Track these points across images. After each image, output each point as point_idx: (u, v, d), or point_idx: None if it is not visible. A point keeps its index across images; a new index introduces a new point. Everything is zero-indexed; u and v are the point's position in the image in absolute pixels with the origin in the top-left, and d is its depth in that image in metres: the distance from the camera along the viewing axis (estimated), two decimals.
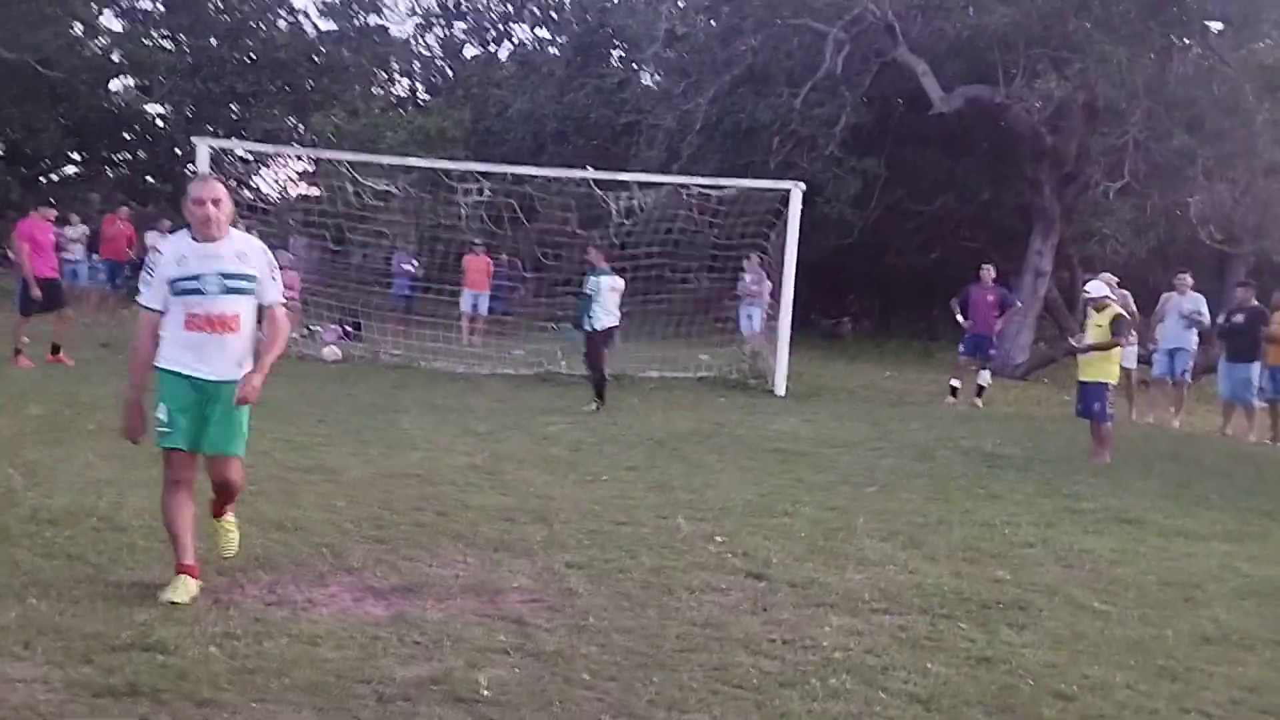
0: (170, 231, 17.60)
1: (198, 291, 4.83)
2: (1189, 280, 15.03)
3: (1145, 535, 7.41)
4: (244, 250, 4.97)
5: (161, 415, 4.89)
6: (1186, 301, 14.80)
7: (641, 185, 16.10)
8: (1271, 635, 5.29)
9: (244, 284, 4.89)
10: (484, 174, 16.27)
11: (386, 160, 16.85)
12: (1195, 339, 14.94)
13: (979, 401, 15.28)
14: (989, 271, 15.73)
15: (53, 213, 14.28)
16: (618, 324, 13.26)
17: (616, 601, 5.23)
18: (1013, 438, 12.01)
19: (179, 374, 4.88)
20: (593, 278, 12.78)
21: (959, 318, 15.58)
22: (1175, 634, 5.21)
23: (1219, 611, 5.64)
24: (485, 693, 4.01)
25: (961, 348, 15.63)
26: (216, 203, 4.84)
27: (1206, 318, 14.77)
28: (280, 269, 15.61)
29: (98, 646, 4.16)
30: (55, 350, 13.07)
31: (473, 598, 5.16)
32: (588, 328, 12.72)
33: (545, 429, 10.76)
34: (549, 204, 16.37)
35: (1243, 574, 6.49)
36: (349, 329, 17.60)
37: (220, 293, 4.83)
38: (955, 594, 5.65)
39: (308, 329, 17.89)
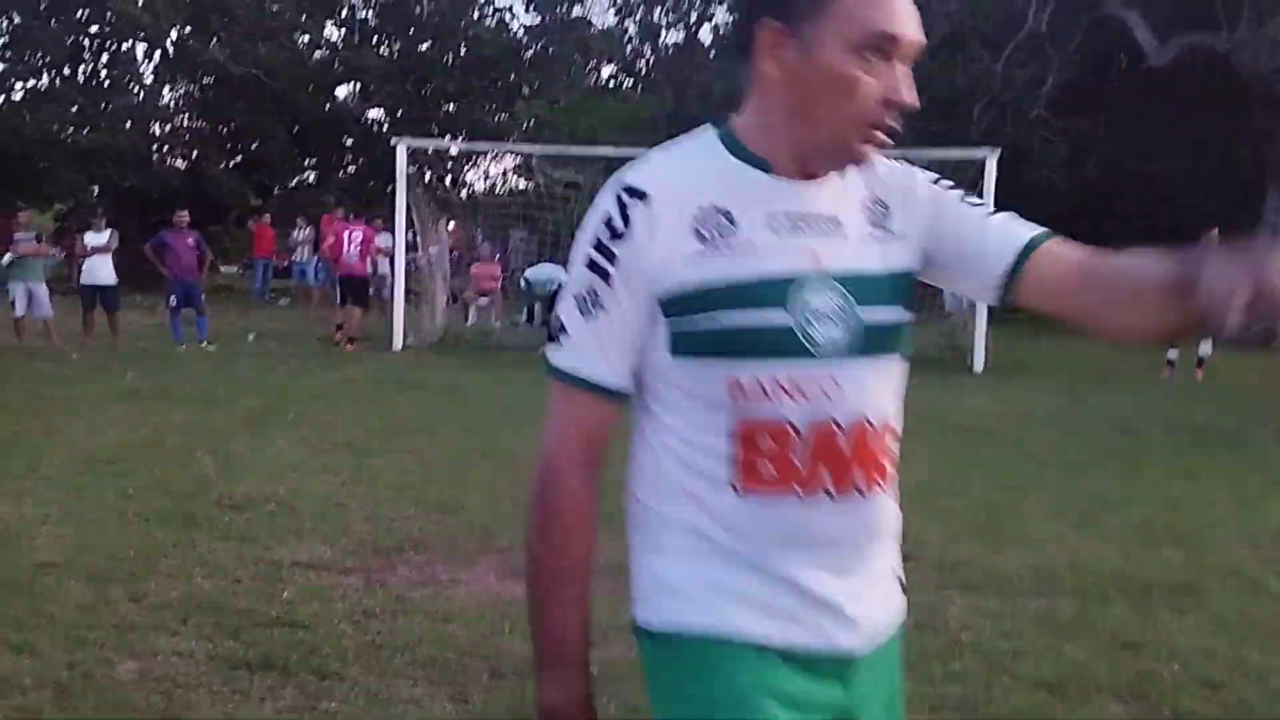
0: (383, 229, 18.63)
1: (788, 337, 1.45)
2: None
3: None
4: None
5: None
6: None
7: None
8: None
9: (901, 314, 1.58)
10: None
11: (573, 151, 17.17)
12: None
13: (1200, 373, 14.31)
14: (1212, 235, 14.65)
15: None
16: None
17: None
18: (1229, 410, 11.24)
19: (754, 648, 1.50)
20: None
21: None
22: None
23: None
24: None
25: None
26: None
27: None
28: (479, 261, 16.52)
29: (246, 622, 4.45)
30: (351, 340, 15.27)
31: (610, 576, 5.22)
32: None
33: None
34: None
35: None
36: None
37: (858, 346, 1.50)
38: (1116, 575, 5.34)
39: (511, 321, 18.53)
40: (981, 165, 14.82)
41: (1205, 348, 14.50)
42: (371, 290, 18.98)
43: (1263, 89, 19.71)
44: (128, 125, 24.41)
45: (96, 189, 25.57)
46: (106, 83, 25.90)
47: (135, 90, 26.38)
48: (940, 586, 5.16)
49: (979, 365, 14.57)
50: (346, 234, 16.07)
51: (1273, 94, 19.62)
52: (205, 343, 14.48)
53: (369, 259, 16.27)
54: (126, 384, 11.14)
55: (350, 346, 15.19)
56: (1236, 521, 6.51)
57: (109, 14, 23.83)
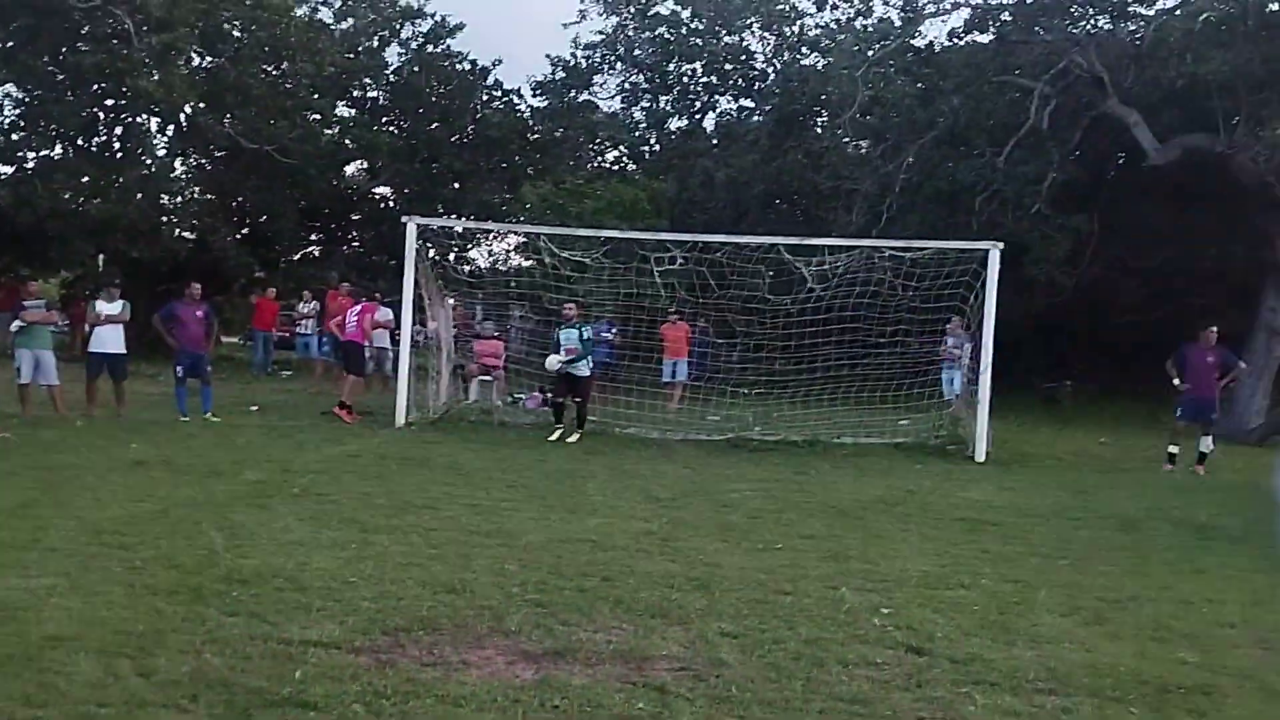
0: (384, 303, 18.82)
1: None
2: None
3: None
4: None
5: None
6: None
7: (832, 250, 16.01)
8: None
9: None
10: (674, 242, 16.56)
11: (580, 232, 17.38)
12: None
13: (1200, 469, 14.35)
14: (1212, 333, 14.81)
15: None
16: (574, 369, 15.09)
17: (764, 673, 5.16)
18: (1233, 508, 11.20)
19: None
20: (566, 330, 15.00)
21: (1175, 381, 14.72)
22: None
23: None
24: None
25: (1180, 411, 14.74)
26: None
27: None
28: (479, 338, 16.68)
29: (257, 701, 4.41)
30: (343, 406, 15.63)
31: (620, 664, 5.20)
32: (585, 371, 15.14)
33: (728, 495, 10.74)
34: (741, 271, 16.46)
35: None
36: (549, 395, 18.10)
37: None
38: (1132, 675, 5.30)
39: (512, 396, 18.56)
40: (984, 257, 14.93)
41: (1206, 443, 14.55)
42: (373, 365, 19.15)
43: (1260, 192, 19.99)
44: (138, 197, 24.62)
45: (102, 258, 25.71)
46: (119, 154, 26.20)
47: (147, 162, 26.67)
48: (956, 684, 5.11)
49: (980, 455, 14.57)
50: (351, 310, 16.94)
51: (1269, 197, 19.89)
52: (210, 414, 14.48)
53: (364, 330, 16.87)
54: (132, 454, 11.12)
55: (341, 412, 15.35)
56: (1248, 624, 6.47)
57: (125, 89, 24.18)
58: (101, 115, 26.26)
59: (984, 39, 23.74)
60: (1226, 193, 22.01)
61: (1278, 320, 19.98)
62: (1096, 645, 5.86)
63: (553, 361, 15.16)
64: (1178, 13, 21.51)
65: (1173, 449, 14.57)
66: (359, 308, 16.97)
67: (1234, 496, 12.24)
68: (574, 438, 14.70)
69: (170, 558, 6.79)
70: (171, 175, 28.04)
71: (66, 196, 24.23)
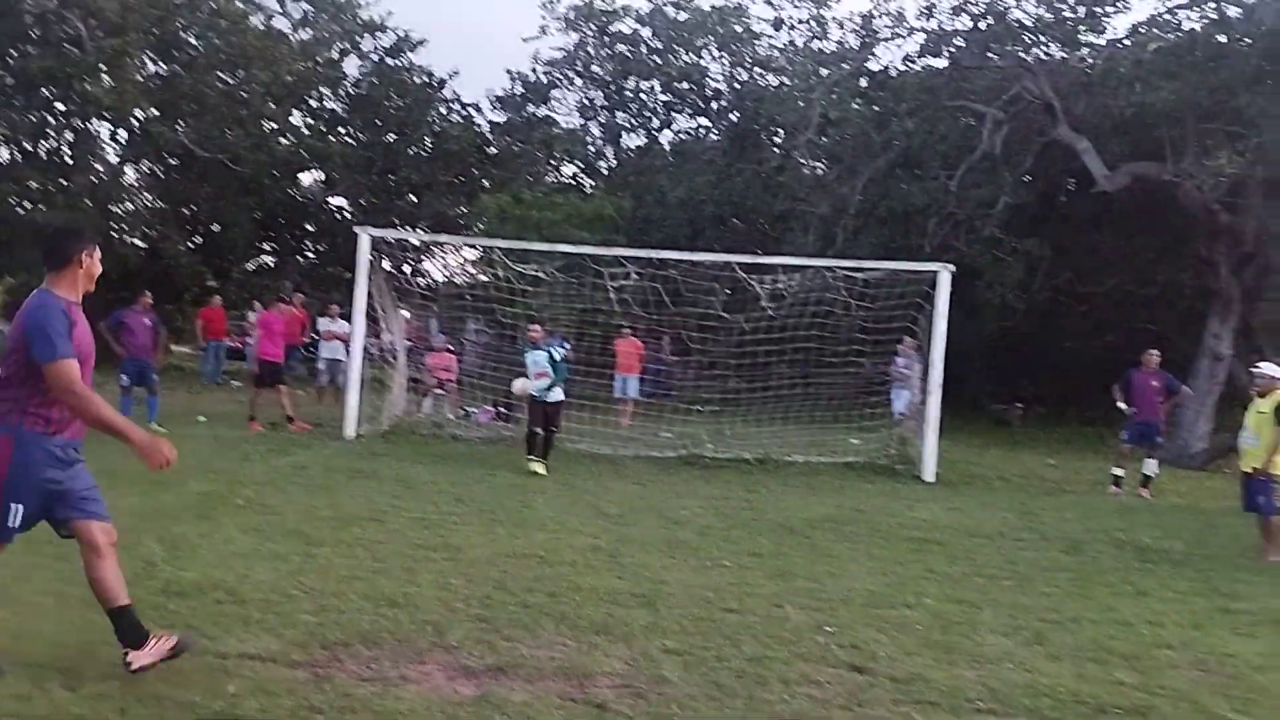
0: (339, 316, 18.68)
1: None
2: None
3: None
4: None
5: None
6: None
7: (786, 269, 16.10)
8: None
9: None
10: (629, 258, 16.58)
11: (536, 246, 17.36)
12: None
13: (1145, 492, 14.53)
14: (1154, 356, 15.04)
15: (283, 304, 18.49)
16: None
17: (706, 691, 5.14)
18: (1175, 531, 11.35)
19: None
20: (534, 353, 13.61)
21: (1120, 404, 14.93)
22: None
23: None
24: None
25: (1125, 435, 14.93)
26: None
27: None
28: (433, 351, 16.43)
29: (188, 715, 4.34)
30: (289, 419, 15.61)
31: (562, 680, 5.16)
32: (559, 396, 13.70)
33: (678, 512, 10.73)
34: (696, 288, 16.52)
35: None
36: (502, 410, 18.02)
37: None
38: (1071, 695, 5.34)
39: (464, 410, 18.45)
40: (934, 279, 15.05)
41: (1151, 466, 14.74)
42: (326, 377, 19.00)
43: (1206, 219, 20.35)
44: (88, 203, 24.26)
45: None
46: (69, 160, 25.83)
47: (98, 169, 26.32)
48: (896, 702, 5.13)
49: (929, 475, 14.67)
50: (263, 324, 16.84)
51: (1215, 224, 20.26)
52: (155, 423, 14.26)
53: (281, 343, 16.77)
54: None
55: (255, 425, 15.29)
56: (1186, 645, 6.55)
57: (75, 94, 23.84)
58: (51, 120, 25.88)
59: (939, 64, 24.01)
60: (1173, 220, 22.41)
61: (1221, 346, 20.30)
62: (1037, 665, 5.90)
63: (520, 386, 14.22)
64: (1127, 42, 21.91)
65: (1118, 472, 14.76)
66: (278, 324, 16.77)
67: (1177, 520, 12.41)
68: (540, 470, 13.08)
69: None
70: (122, 182, 27.69)
71: (13, 202, 23.84)
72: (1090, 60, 22.51)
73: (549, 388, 13.50)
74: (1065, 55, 22.78)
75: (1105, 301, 24.01)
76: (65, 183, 24.54)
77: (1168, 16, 21.67)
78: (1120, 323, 24.33)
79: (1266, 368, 10.78)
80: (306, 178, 31.81)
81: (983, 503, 12.83)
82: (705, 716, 4.77)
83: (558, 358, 13.73)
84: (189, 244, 28.07)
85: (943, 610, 7.07)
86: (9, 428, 4.58)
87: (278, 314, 17.22)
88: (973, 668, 5.77)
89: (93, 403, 4.57)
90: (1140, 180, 20.69)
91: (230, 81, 27.20)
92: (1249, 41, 19.62)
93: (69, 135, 26.37)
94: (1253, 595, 8.17)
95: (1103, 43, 22.58)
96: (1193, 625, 7.10)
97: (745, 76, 33.18)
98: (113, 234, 25.70)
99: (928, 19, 23.50)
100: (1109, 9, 22.01)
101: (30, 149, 25.84)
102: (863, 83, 25.41)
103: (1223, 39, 20.47)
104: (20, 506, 4.64)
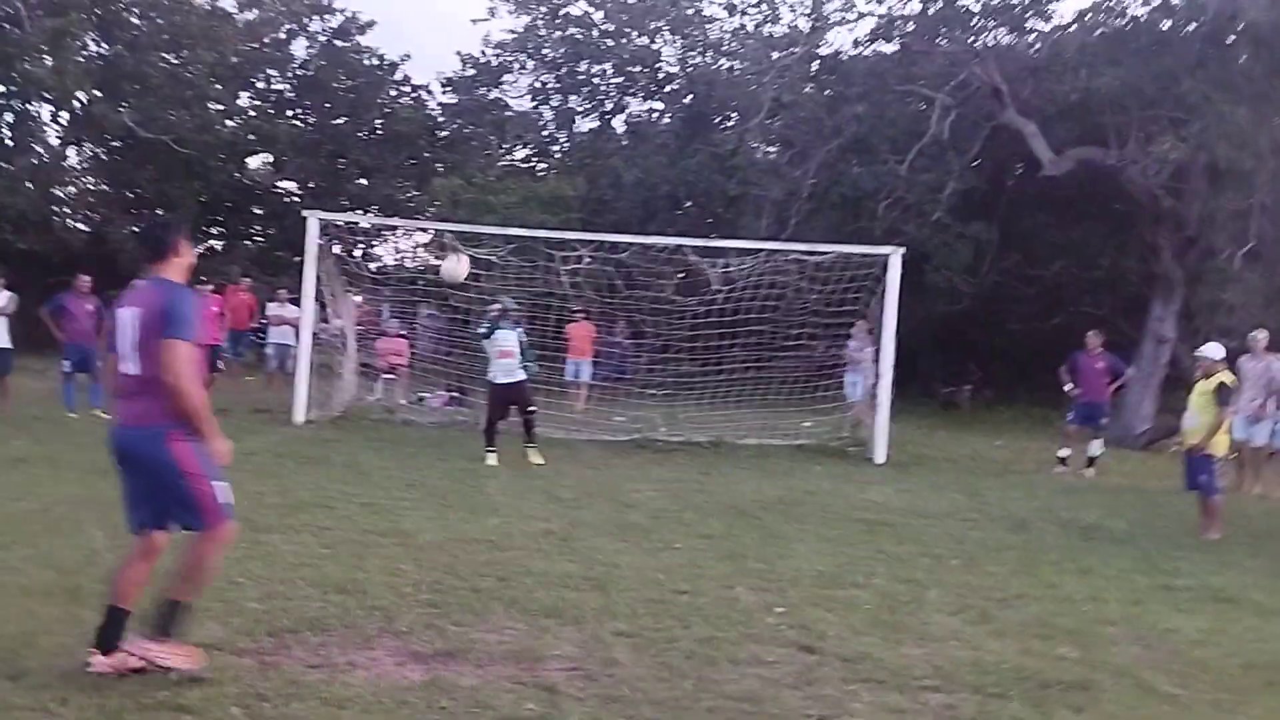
0: (288, 300, 18.51)
1: None
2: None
3: (1240, 615, 7.02)
4: None
5: None
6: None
7: (738, 252, 16.13)
8: None
9: None
10: (581, 241, 16.53)
11: (487, 230, 17.25)
12: None
13: (1089, 472, 14.75)
14: (1096, 337, 15.28)
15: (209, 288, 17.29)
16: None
17: (656, 672, 5.16)
18: (1118, 510, 11.55)
19: None
20: (503, 331, 12.81)
21: (1066, 386, 15.14)
22: None
23: None
24: None
25: (1071, 415, 15.15)
26: None
27: None
28: (384, 335, 16.16)
29: (130, 705, 4.28)
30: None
31: (512, 664, 5.16)
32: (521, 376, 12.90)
33: (630, 496, 10.74)
34: (649, 272, 16.51)
35: None
36: (455, 395, 17.92)
37: None
38: (1014, 672, 5.43)
39: (417, 395, 18.33)
40: (885, 262, 15.16)
41: (1096, 447, 14.96)
42: (275, 363, 18.82)
43: (1149, 204, 20.63)
44: (28, 186, 23.78)
45: None
46: (9, 142, 25.28)
47: (39, 151, 25.79)
48: (845, 681, 5.18)
49: (880, 457, 14.80)
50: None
51: (1158, 209, 20.55)
52: (100, 410, 14.03)
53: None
54: (12, 451, 10.72)
55: None
56: (1127, 621, 6.67)
57: (14, 74, 23.33)
58: None
59: (888, 49, 24.13)
60: (1118, 205, 22.69)
61: (1165, 329, 20.62)
62: (982, 643, 5.98)
63: (449, 268, 13.77)
64: (1073, 28, 22.12)
65: (1063, 452, 14.96)
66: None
67: (1120, 499, 12.61)
68: (539, 459, 12.70)
69: (49, 557, 6.58)
70: (64, 164, 27.16)
71: None
72: (1037, 45, 22.72)
73: (515, 368, 12.86)
74: (1013, 40, 22.97)
75: (1052, 285, 24.27)
76: (6, 165, 24.01)
77: (1112, 3, 21.92)
78: (1066, 306, 24.61)
79: (1209, 349, 10.97)
80: (255, 160, 31.36)
81: (932, 484, 12.96)
82: (655, 698, 4.79)
83: (524, 336, 13.17)
84: (133, 228, 27.59)
85: (891, 590, 7.15)
86: (172, 422, 4.68)
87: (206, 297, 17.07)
88: (920, 646, 5.85)
89: (199, 393, 4.71)
90: (1086, 165, 20.94)
91: (174, 62, 26.74)
92: (1192, 28, 19.90)
93: (9, 117, 25.76)
94: (1193, 573, 8.33)
95: (1049, 28, 22.82)
96: (1134, 602, 7.24)
97: (698, 60, 33.12)
98: (54, 217, 25.25)
99: (878, 3, 23.62)
100: None
101: None
102: (814, 67, 25.47)
103: (1166, 25, 20.74)
104: (225, 482, 4.95)
